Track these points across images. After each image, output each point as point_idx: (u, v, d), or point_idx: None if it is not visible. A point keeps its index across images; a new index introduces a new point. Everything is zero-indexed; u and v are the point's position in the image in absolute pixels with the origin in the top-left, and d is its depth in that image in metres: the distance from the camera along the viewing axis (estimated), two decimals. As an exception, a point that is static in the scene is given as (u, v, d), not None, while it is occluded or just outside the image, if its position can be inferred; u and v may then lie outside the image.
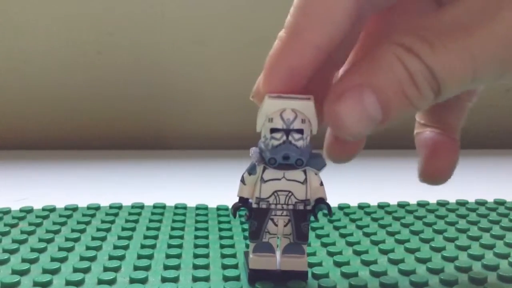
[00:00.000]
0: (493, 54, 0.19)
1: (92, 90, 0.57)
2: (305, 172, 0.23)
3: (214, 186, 0.43)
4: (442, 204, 0.36)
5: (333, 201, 0.35)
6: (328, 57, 0.22)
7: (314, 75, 0.22)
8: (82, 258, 0.27)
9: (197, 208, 0.35)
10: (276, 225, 0.24)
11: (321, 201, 0.23)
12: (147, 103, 0.59)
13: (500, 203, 0.37)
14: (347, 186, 0.42)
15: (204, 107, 0.60)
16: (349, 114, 0.19)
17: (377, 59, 0.20)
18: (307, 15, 0.21)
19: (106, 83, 0.57)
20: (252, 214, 0.23)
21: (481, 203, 0.37)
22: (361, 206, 0.36)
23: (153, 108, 0.59)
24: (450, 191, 0.38)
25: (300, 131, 0.22)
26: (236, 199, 0.24)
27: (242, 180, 0.23)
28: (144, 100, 0.58)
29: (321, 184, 0.23)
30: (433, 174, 0.25)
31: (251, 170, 0.23)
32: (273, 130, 0.22)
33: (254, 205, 0.23)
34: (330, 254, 0.28)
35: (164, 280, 0.24)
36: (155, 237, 0.30)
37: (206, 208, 0.35)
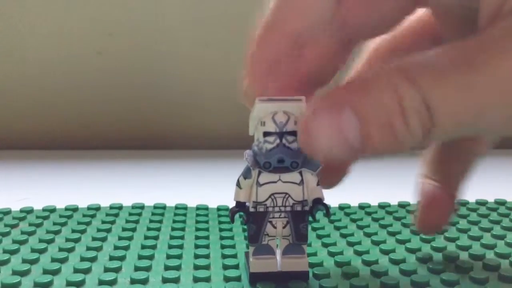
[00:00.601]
0: (500, 95, 0.16)
1: (92, 90, 0.57)
2: (301, 173, 0.23)
3: (214, 186, 0.43)
4: (442, 204, 0.36)
5: (334, 201, 0.35)
6: (313, 77, 0.21)
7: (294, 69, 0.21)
8: (83, 259, 0.27)
9: (198, 208, 0.35)
10: (275, 228, 0.23)
11: (319, 202, 0.23)
12: (147, 103, 0.58)
13: (500, 203, 0.37)
14: (347, 186, 0.42)
15: (204, 107, 0.60)
16: (322, 132, 0.17)
17: (367, 79, 0.17)
18: (279, 9, 0.21)
19: (106, 83, 0.57)
20: (250, 218, 0.23)
21: (481, 203, 0.37)
22: (361, 206, 0.36)
23: (153, 108, 0.59)
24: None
25: (294, 133, 0.22)
26: (233, 203, 0.23)
27: (238, 184, 0.23)
28: (144, 100, 0.58)
29: (318, 184, 0.23)
30: (425, 225, 0.27)
31: (246, 174, 0.23)
32: (266, 134, 0.22)
33: (252, 209, 0.23)
34: (331, 254, 0.28)
35: (165, 280, 0.24)
36: (156, 238, 0.30)
37: (206, 208, 0.35)
